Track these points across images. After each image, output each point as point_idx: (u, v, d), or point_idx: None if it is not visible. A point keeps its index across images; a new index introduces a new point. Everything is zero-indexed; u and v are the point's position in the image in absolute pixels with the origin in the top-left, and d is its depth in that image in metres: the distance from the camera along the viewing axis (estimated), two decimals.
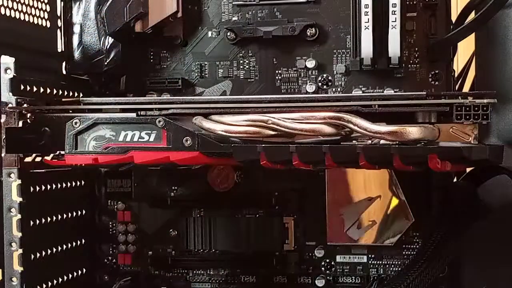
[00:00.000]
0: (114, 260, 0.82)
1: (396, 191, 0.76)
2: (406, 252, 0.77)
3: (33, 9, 0.73)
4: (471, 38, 0.72)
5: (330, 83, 0.75)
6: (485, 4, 0.64)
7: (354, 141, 0.62)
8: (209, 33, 0.77)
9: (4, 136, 0.65)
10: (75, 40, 0.76)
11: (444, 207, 0.73)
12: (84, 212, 0.80)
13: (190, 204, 0.81)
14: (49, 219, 0.72)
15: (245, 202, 0.79)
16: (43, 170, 0.70)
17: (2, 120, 0.65)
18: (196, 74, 0.78)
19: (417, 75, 0.73)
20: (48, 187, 0.72)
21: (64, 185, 0.75)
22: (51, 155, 0.68)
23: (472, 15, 0.74)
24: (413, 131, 0.58)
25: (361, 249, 0.78)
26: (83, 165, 0.69)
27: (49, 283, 0.72)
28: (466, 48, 0.80)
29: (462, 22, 0.75)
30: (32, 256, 0.68)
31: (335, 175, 0.77)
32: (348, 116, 0.59)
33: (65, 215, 0.75)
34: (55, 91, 0.73)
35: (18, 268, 0.66)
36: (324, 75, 0.75)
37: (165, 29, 0.77)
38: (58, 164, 0.67)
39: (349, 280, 0.78)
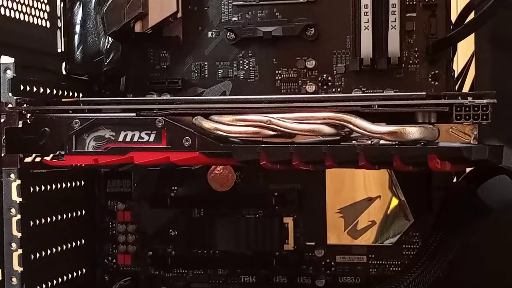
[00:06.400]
0: (114, 260, 0.82)
1: (396, 191, 0.76)
2: (406, 252, 0.77)
3: (33, 9, 0.73)
4: (471, 38, 0.72)
5: (330, 83, 0.75)
6: (485, 4, 0.64)
7: (354, 141, 0.62)
8: (209, 34, 0.77)
9: (4, 136, 0.65)
10: (75, 40, 0.76)
11: (444, 207, 0.73)
12: (84, 212, 0.80)
13: (190, 204, 0.81)
14: (49, 219, 0.72)
15: (245, 202, 0.79)
16: (43, 170, 0.70)
17: (2, 120, 0.65)
18: (196, 74, 0.78)
19: (416, 75, 0.73)
20: (48, 187, 0.72)
21: (64, 185, 0.75)
22: (51, 155, 0.68)
23: (472, 15, 0.74)
24: (412, 131, 0.58)
25: (361, 249, 0.78)
26: (83, 165, 0.69)
27: (49, 283, 0.72)
28: (466, 48, 0.80)
29: (462, 22, 0.75)
30: (32, 256, 0.68)
31: (335, 175, 0.77)
32: (347, 116, 0.59)
33: (65, 215, 0.75)
34: (55, 91, 0.73)
35: (18, 268, 0.66)
36: (324, 75, 0.75)
37: (165, 30, 0.77)
38: (58, 164, 0.67)
39: (349, 280, 0.78)
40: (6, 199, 0.65)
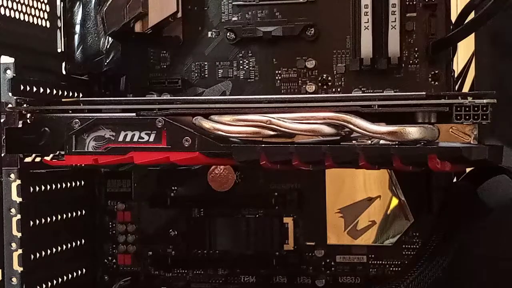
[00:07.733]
0: (114, 260, 0.82)
1: (396, 191, 0.76)
2: (406, 252, 0.77)
3: (33, 9, 0.73)
4: (471, 38, 0.72)
5: (330, 83, 0.75)
6: (485, 4, 0.64)
7: (354, 141, 0.62)
8: (209, 34, 0.77)
9: (4, 136, 0.65)
10: (75, 40, 0.76)
11: (444, 207, 0.73)
12: (84, 212, 0.80)
13: (190, 204, 0.81)
14: (49, 219, 0.72)
15: (245, 202, 0.79)
16: (43, 170, 0.70)
17: (2, 120, 0.65)
18: (196, 74, 0.78)
19: (416, 75, 0.73)
20: (48, 187, 0.72)
21: (64, 185, 0.75)
22: (51, 155, 0.68)
23: (472, 15, 0.74)
24: (412, 131, 0.58)
25: (361, 249, 0.78)
26: (83, 165, 0.70)
27: (49, 283, 0.72)
28: (466, 48, 0.80)
29: (462, 22, 0.75)
30: (32, 256, 0.68)
31: (335, 175, 0.77)
32: (347, 116, 0.59)
33: (65, 215, 0.75)
34: (55, 91, 0.73)
35: (18, 268, 0.66)
36: (324, 75, 0.75)
37: (165, 29, 0.77)
38: (58, 164, 0.67)
39: (349, 280, 0.78)
40: (6, 199, 0.65)
